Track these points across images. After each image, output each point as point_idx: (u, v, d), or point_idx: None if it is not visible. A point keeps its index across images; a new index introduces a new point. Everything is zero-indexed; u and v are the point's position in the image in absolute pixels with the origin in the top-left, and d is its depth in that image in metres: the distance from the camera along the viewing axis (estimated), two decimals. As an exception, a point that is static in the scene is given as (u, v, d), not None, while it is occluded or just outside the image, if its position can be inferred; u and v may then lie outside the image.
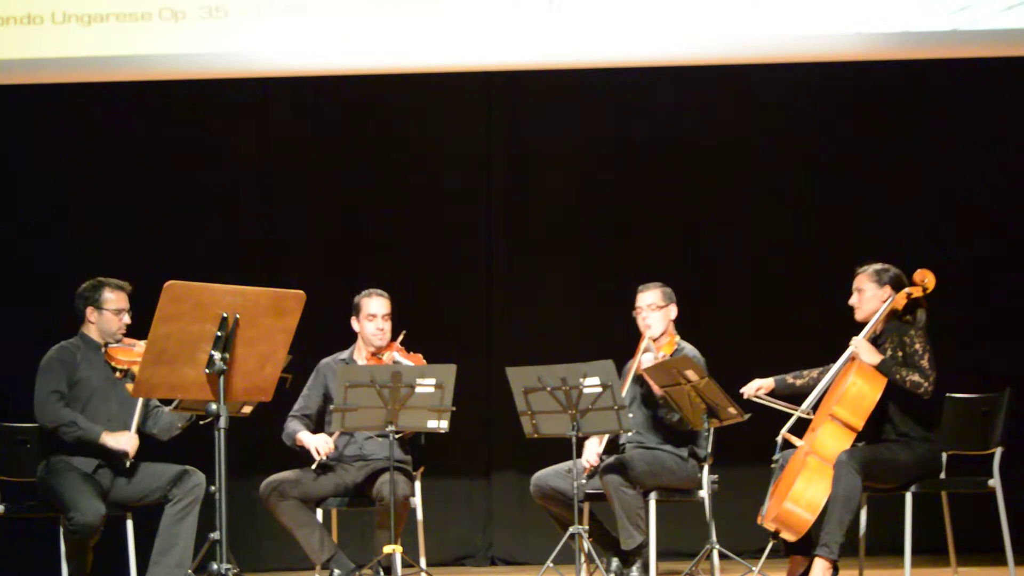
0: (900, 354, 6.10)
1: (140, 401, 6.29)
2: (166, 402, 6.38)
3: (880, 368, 6.04)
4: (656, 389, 6.48)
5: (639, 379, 6.57)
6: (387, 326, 6.74)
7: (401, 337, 6.68)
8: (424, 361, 6.63)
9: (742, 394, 6.35)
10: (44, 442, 6.33)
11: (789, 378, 6.41)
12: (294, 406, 6.76)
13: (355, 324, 6.80)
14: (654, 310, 6.69)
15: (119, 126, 8.43)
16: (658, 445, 6.62)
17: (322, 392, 6.76)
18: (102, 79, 7.86)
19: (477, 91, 8.51)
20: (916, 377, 6.02)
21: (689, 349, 6.67)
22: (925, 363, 6.05)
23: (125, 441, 6.23)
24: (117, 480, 6.31)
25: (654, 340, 6.65)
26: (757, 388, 6.36)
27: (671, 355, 6.56)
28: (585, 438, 6.47)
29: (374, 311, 6.73)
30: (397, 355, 6.62)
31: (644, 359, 6.53)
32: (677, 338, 6.71)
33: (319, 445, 6.55)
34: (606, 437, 6.60)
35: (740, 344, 8.21)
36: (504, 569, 8.30)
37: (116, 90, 8.04)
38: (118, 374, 6.35)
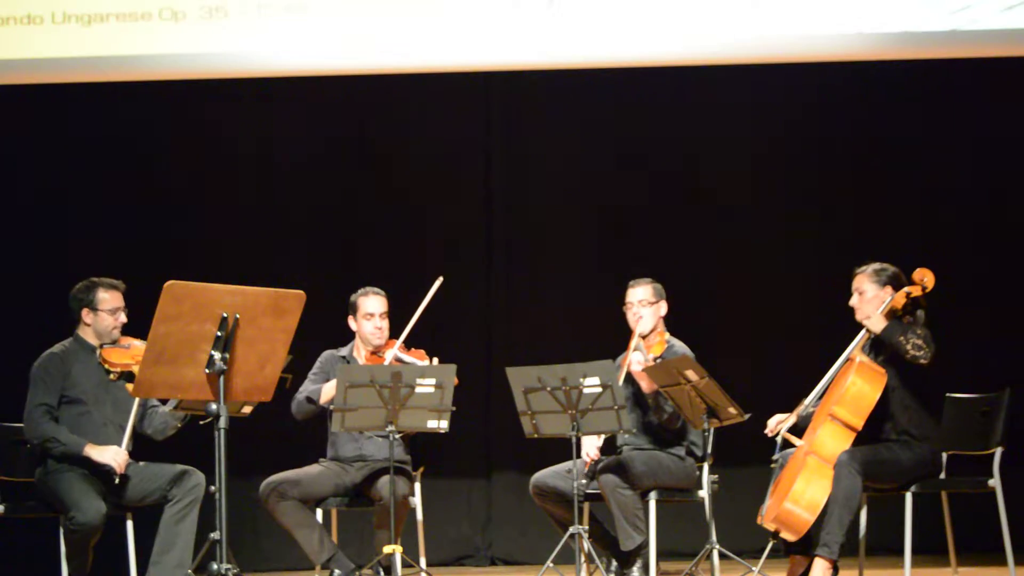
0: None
1: (135, 407, 6.27)
2: (164, 401, 6.37)
3: (885, 332, 6.03)
4: (645, 388, 6.45)
5: (629, 378, 6.53)
6: (385, 324, 6.74)
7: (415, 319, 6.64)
8: (427, 356, 6.61)
9: (768, 434, 6.26)
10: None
11: (811, 408, 6.30)
12: (301, 388, 6.72)
13: (352, 323, 6.79)
14: (645, 306, 6.65)
15: (118, 126, 8.43)
16: (655, 446, 6.61)
17: (326, 380, 6.74)
18: (102, 79, 7.87)
19: (477, 91, 8.51)
20: (918, 340, 6.00)
21: (679, 346, 6.65)
22: (928, 338, 6.03)
23: (110, 455, 6.16)
24: (117, 480, 6.30)
25: (644, 337, 6.62)
26: (777, 423, 6.24)
27: (662, 354, 6.54)
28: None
29: (371, 310, 6.73)
30: (400, 353, 6.60)
31: (633, 358, 6.48)
32: (667, 335, 6.69)
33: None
34: (603, 437, 6.59)
35: (740, 344, 8.22)
36: (504, 569, 8.30)
37: (117, 90, 8.04)
38: (112, 376, 6.33)
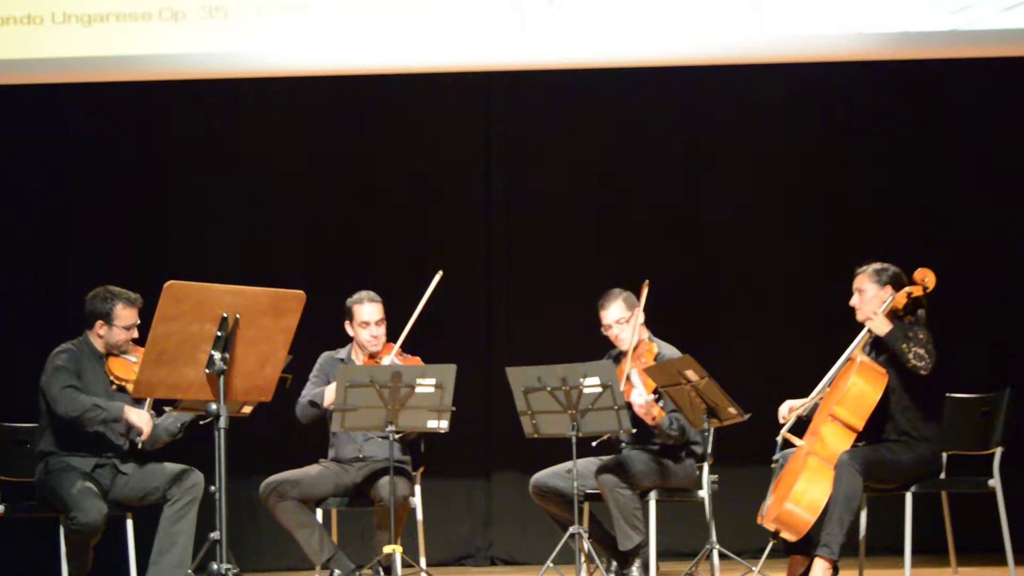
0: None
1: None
2: (162, 406, 6.37)
3: (888, 336, 6.02)
4: (649, 422, 6.40)
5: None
6: (381, 332, 6.71)
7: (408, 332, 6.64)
8: (422, 364, 6.60)
9: (782, 422, 6.23)
10: (42, 443, 6.31)
11: (817, 399, 6.26)
12: (303, 391, 6.72)
13: (348, 329, 6.78)
14: (623, 324, 6.60)
15: (119, 126, 8.43)
16: (655, 446, 6.59)
17: (326, 382, 6.74)
18: (102, 79, 7.86)
19: (477, 91, 8.51)
20: (921, 350, 5.99)
21: (667, 350, 6.62)
22: (930, 347, 6.02)
23: (146, 419, 6.21)
24: (117, 480, 6.31)
25: (634, 350, 6.57)
26: (790, 410, 6.22)
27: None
28: (586, 438, 6.45)
29: (367, 318, 6.70)
30: (396, 360, 6.59)
31: (634, 399, 6.31)
32: (655, 345, 6.61)
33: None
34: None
35: (740, 344, 8.22)
36: (504, 569, 8.30)
37: (116, 90, 8.04)
38: (113, 387, 6.34)
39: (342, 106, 8.53)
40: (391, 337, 6.72)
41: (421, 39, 7.66)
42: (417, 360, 6.65)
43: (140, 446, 6.29)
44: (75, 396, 6.19)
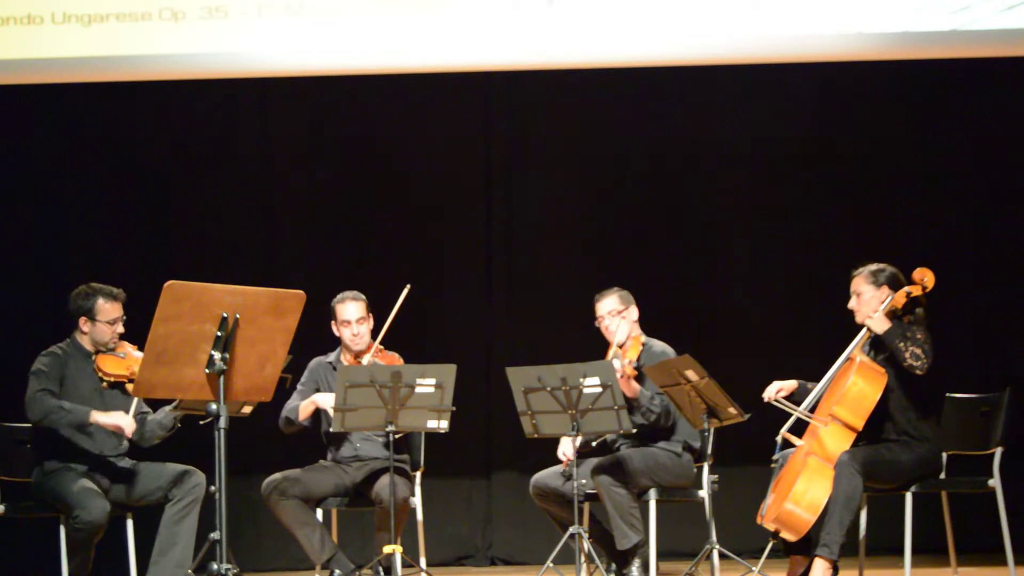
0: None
1: (135, 400, 6.24)
2: (156, 406, 6.37)
3: (887, 335, 6.02)
4: (628, 393, 6.41)
5: None
6: (362, 329, 6.70)
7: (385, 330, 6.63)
8: (401, 361, 6.60)
9: (764, 399, 6.25)
10: (38, 446, 6.30)
11: (809, 385, 6.31)
12: (288, 404, 6.72)
13: (334, 329, 6.78)
14: (615, 316, 6.62)
15: (119, 126, 8.43)
16: (647, 442, 6.57)
17: (315, 390, 6.74)
18: (102, 79, 7.87)
19: (477, 91, 8.51)
20: (918, 350, 6.00)
21: (657, 345, 6.63)
22: (927, 347, 6.03)
23: (118, 417, 6.15)
24: (117, 480, 6.29)
25: (620, 346, 6.58)
26: (777, 390, 6.24)
27: (638, 356, 6.50)
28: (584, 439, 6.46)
29: (347, 317, 6.69)
30: (375, 359, 6.58)
31: (612, 366, 6.32)
32: (643, 337, 6.65)
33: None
34: (579, 438, 6.49)
35: (740, 344, 8.22)
36: (504, 569, 8.30)
37: (116, 90, 8.04)
38: (104, 384, 6.32)
39: (342, 106, 8.53)
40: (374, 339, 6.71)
41: (421, 39, 7.66)
42: (395, 356, 6.64)
43: (123, 444, 6.27)
44: (42, 399, 6.16)
